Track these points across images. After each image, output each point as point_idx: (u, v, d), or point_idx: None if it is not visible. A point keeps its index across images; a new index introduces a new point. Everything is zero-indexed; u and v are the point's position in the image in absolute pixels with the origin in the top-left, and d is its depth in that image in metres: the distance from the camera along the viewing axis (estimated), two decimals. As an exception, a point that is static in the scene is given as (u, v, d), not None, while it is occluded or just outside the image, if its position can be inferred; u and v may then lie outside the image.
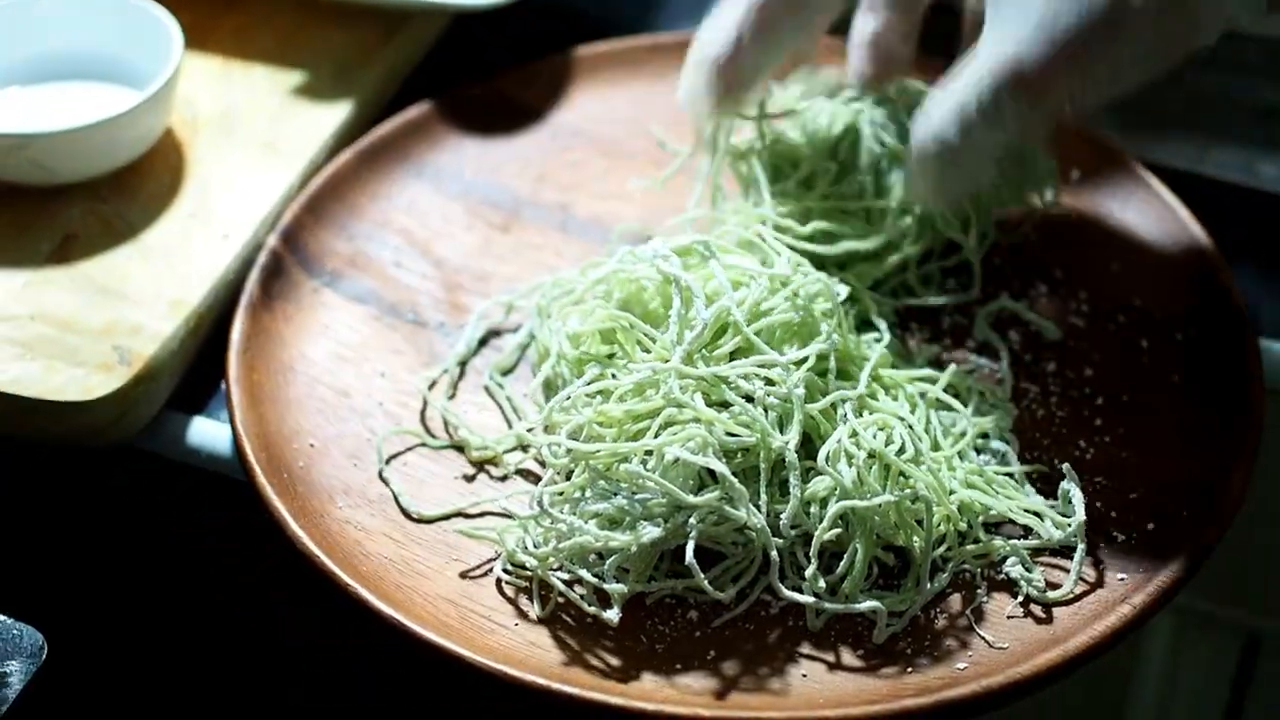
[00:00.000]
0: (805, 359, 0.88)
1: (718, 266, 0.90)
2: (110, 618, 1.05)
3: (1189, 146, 1.16)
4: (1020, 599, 0.85)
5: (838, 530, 0.84)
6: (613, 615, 0.84)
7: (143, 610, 1.05)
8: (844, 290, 0.93)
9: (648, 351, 0.89)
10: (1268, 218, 1.11)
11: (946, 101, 0.88)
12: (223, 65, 1.14)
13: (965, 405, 0.92)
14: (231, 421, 0.92)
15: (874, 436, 0.86)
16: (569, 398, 0.88)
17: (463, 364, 0.98)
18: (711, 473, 0.85)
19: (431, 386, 0.96)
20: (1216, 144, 1.18)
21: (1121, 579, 0.85)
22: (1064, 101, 0.85)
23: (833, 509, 0.83)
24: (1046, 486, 0.90)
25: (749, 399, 0.86)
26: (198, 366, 0.99)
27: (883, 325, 0.95)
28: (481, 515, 0.90)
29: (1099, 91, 0.86)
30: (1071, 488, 0.87)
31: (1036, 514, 0.88)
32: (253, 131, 1.09)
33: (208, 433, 0.97)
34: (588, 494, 0.86)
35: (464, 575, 0.87)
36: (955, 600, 0.86)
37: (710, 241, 0.91)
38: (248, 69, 1.13)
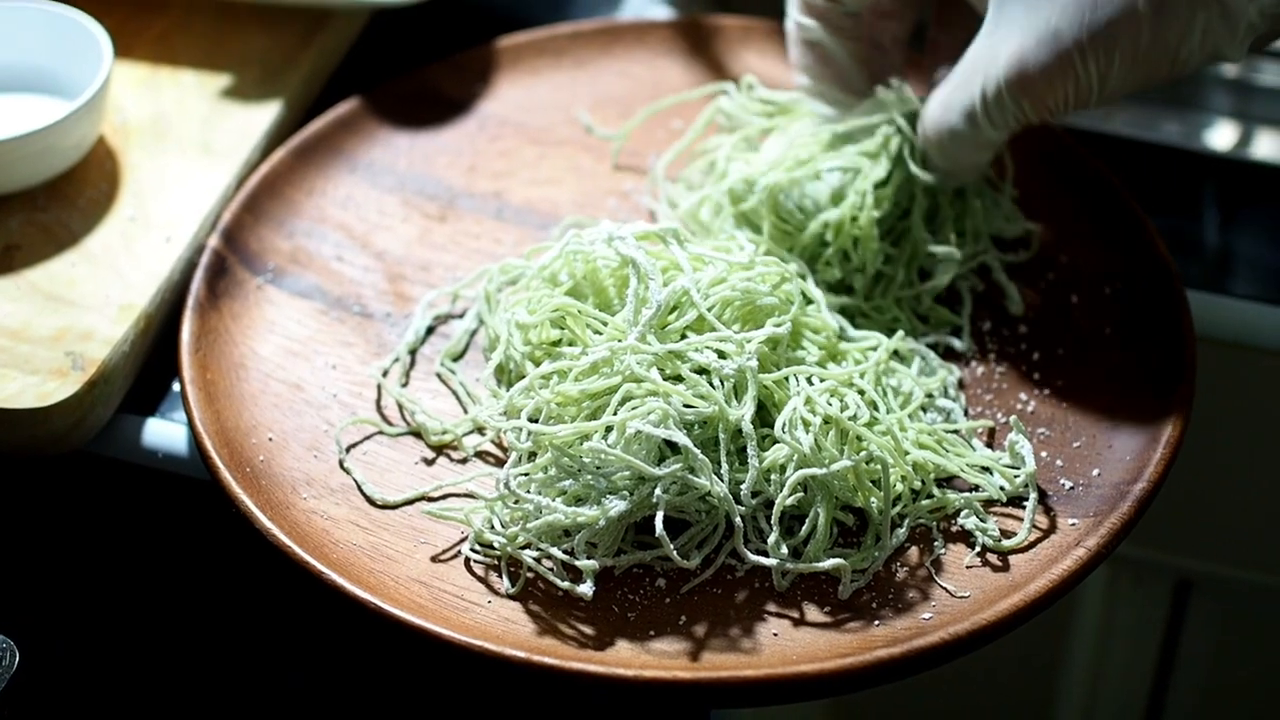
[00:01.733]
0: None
1: (678, 250, 0.92)
2: (79, 622, 1.06)
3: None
4: (977, 549, 0.88)
5: (799, 495, 0.86)
6: (586, 589, 0.85)
7: (110, 613, 1.05)
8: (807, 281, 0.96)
9: (599, 334, 0.91)
10: (1171, 172, 1.15)
11: (955, 96, 0.93)
12: (149, 71, 1.14)
13: (909, 366, 0.95)
14: (190, 420, 0.93)
15: (828, 403, 0.89)
16: (529, 384, 0.90)
17: (413, 352, 0.99)
18: (671, 445, 0.87)
19: (385, 375, 0.97)
20: (1122, 103, 1.21)
21: (1073, 524, 0.88)
22: (1060, 105, 0.89)
23: (793, 477, 0.86)
24: (993, 440, 0.93)
25: (703, 373, 0.88)
26: (147, 369, 1.00)
27: (818, 295, 0.97)
28: (444, 498, 0.92)
29: (1086, 100, 0.89)
30: (1019, 439, 0.90)
31: (986, 468, 0.90)
32: (185, 134, 1.10)
33: (163, 433, 0.98)
34: (552, 473, 0.87)
35: (434, 558, 0.88)
36: (914, 554, 0.88)
37: (678, 229, 0.93)
38: (174, 74, 1.14)
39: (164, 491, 0.98)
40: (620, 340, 0.89)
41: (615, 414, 0.87)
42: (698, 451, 0.85)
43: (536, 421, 0.89)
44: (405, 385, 0.98)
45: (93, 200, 1.05)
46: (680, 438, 0.85)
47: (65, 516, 1.03)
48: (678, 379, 0.88)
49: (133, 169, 1.07)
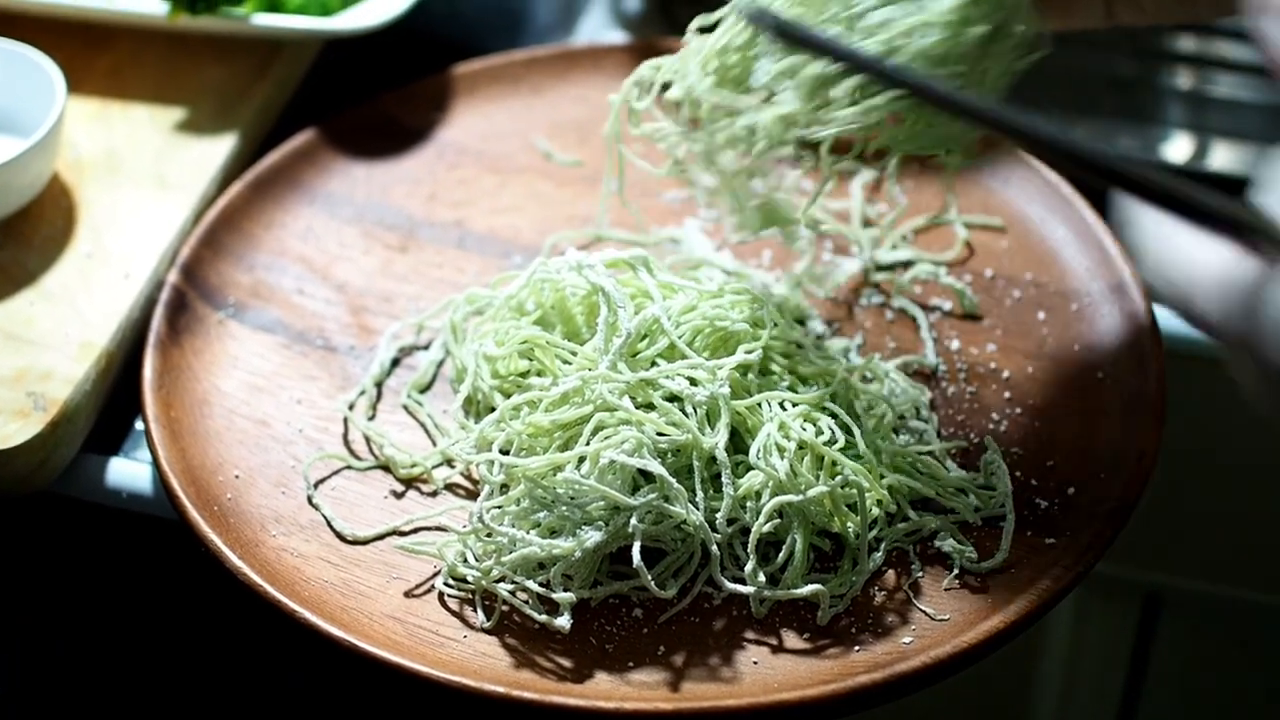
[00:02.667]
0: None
1: (648, 277, 0.91)
2: (48, 666, 1.04)
3: (1054, 122, 1.19)
4: (955, 571, 0.87)
5: (775, 521, 0.86)
6: (564, 623, 0.85)
7: (79, 656, 1.04)
8: (774, 300, 0.96)
9: (568, 364, 0.91)
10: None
11: None
12: (100, 106, 1.13)
13: (880, 387, 0.95)
14: (155, 459, 0.91)
15: (802, 428, 0.88)
16: (499, 415, 0.89)
17: (379, 384, 0.98)
18: (645, 474, 0.86)
19: (351, 408, 0.96)
20: (1079, 118, 1.22)
21: (1050, 542, 0.88)
22: None
23: (770, 504, 0.85)
24: (966, 460, 0.93)
25: (675, 401, 0.88)
26: (109, 407, 0.99)
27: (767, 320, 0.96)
28: (415, 531, 0.91)
29: None
30: (995, 459, 0.90)
31: (962, 490, 0.90)
32: (140, 169, 1.08)
33: (127, 472, 0.97)
34: (526, 505, 0.86)
35: (407, 594, 0.87)
36: (891, 578, 0.88)
37: (649, 257, 0.92)
38: (126, 108, 1.13)
39: (129, 531, 0.97)
40: (591, 369, 0.88)
41: (588, 444, 0.86)
42: (673, 480, 0.85)
43: (508, 454, 0.88)
44: (372, 418, 0.97)
45: (49, 238, 1.04)
46: (655, 466, 0.85)
47: (29, 559, 1.02)
48: (650, 407, 0.88)
49: (88, 205, 1.06)
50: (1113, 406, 0.94)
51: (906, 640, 0.84)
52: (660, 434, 0.86)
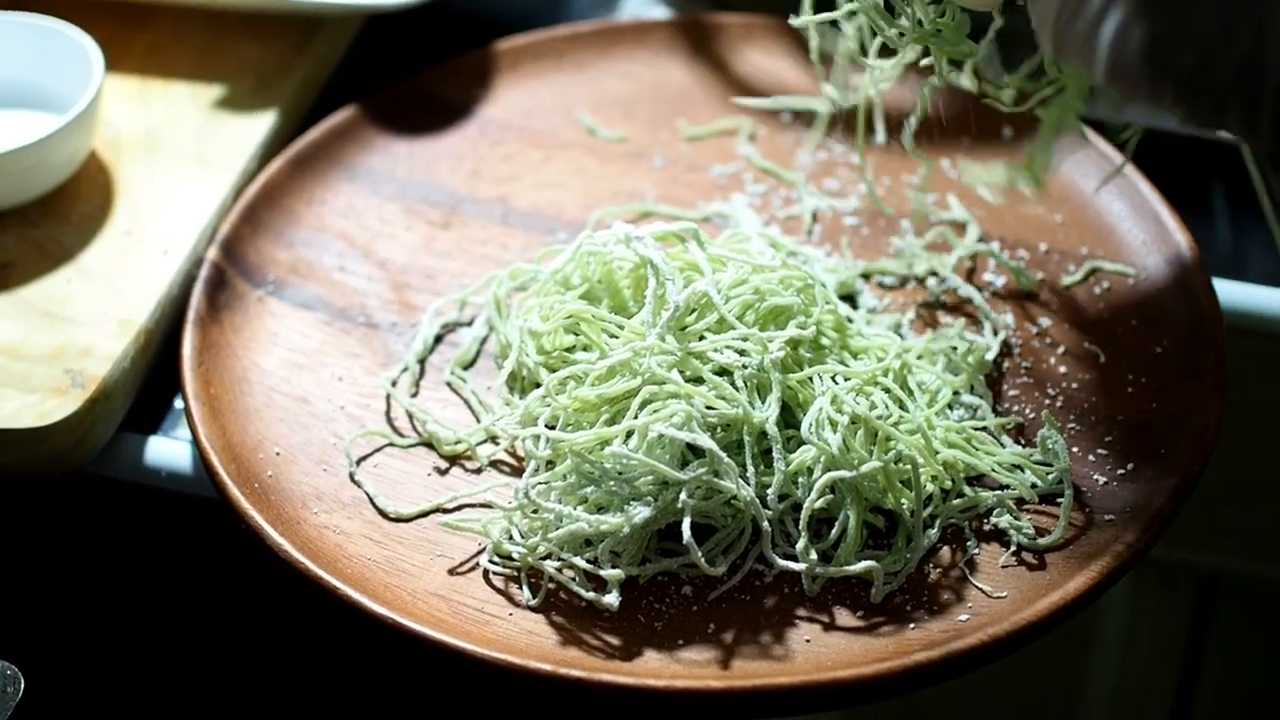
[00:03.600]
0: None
1: (697, 250, 0.89)
2: (86, 647, 1.03)
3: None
4: (1012, 548, 0.85)
5: (828, 497, 0.84)
6: (612, 600, 0.83)
7: (117, 637, 1.03)
8: (830, 280, 0.94)
9: (614, 339, 0.89)
10: (1183, 159, 1.13)
11: None
12: (140, 84, 1.12)
13: (934, 364, 0.93)
14: (195, 436, 0.90)
15: (856, 401, 0.86)
16: (546, 390, 0.87)
17: (422, 361, 0.97)
18: (695, 449, 0.84)
19: (394, 385, 0.95)
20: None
21: (1110, 519, 0.86)
22: None
23: (821, 480, 0.83)
24: (1022, 436, 0.91)
25: (725, 374, 0.86)
26: (148, 386, 0.97)
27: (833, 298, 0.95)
28: (459, 509, 0.89)
29: None
30: (1051, 434, 0.88)
31: (1018, 466, 0.88)
32: (180, 147, 1.07)
33: (166, 451, 0.95)
34: (573, 480, 0.85)
35: (452, 571, 0.86)
36: (947, 555, 0.86)
37: (698, 229, 0.90)
38: (166, 86, 1.12)
39: (168, 510, 0.96)
40: (638, 343, 0.86)
41: (636, 418, 0.84)
42: (723, 454, 0.83)
43: (554, 428, 0.86)
44: (415, 395, 0.95)
45: (87, 215, 1.03)
46: (704, 440, 0.83)
47: (67, 538, 1.00)
48: (699, 381, 0.86)
49: (127, 183, 1.05)
50: (1172, 381, 0.92)
51: (963, 618, 0.82)
52: (710, 407, 0.84)
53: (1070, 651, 1.27)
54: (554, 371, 0.90)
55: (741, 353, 0.86)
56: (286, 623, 0.99)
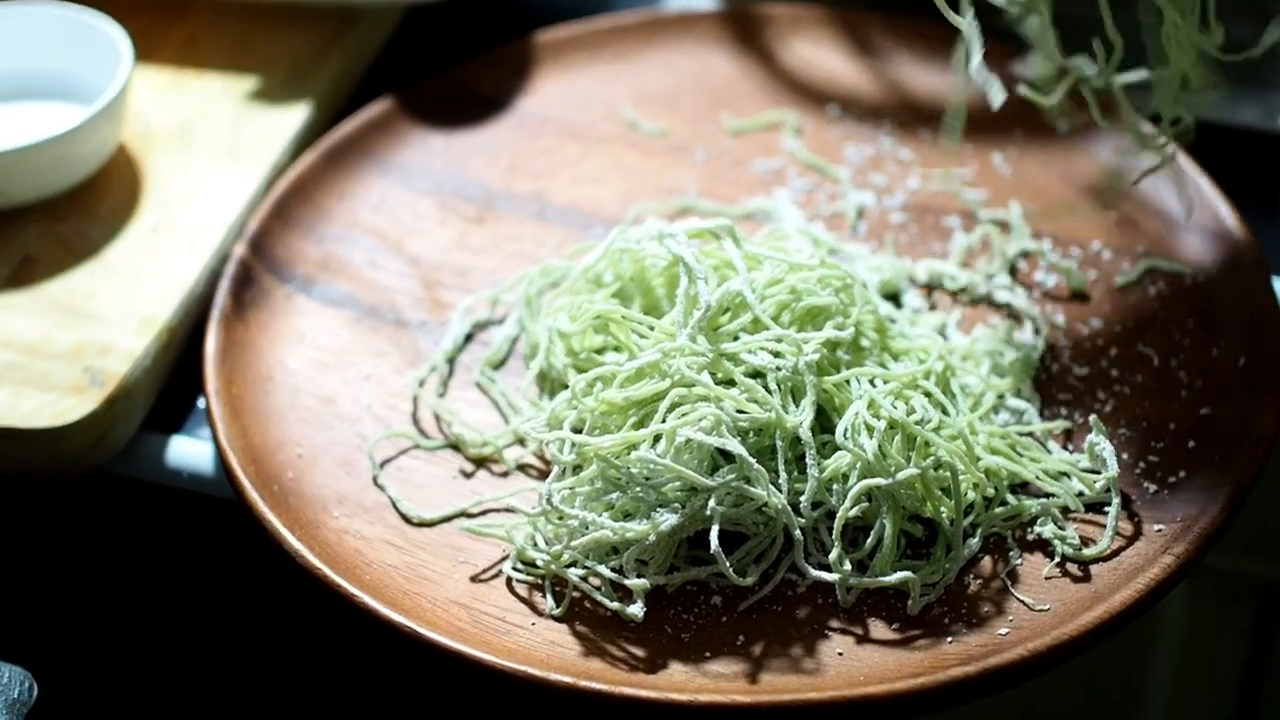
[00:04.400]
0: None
1: (732, 247, 0.86)
2: (101, 649, 1.01)
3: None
4: (1056, 559, 0.82)
5: (863, 505, 0.81)
6: (637, 610, 0.80)
7: (132, 641, 1.01)
8: (872, 279, 0.91)
9: (644, 339, 0.86)
10: (1250, 155, 1.09)
11: None
12: (174, 76, 1.10)
13: (978, 366, 0.89)
14: (215, 436, 0.87)
15: (893, 406, 0.83)
16: (572, 393, 0.84)
17: (451, 360, 0.94)
18: (725, 454, 0.81)
19: (421, 385, 0.92)
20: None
21: (1159, 529, 0.82)
22: None
23: (857, 487, 0.80)
24: (1070, 442, 0.87)
25: (758, 377, 0.83)
26: (171, 384, 0.95)
27: (875, 298, 0.92)
28: (484, 514, 0.86)
29: None
30: (1100, 441, 0.84)
31: (1064, 473, 0.84)
32: (211, 139, 1.05)
33: (188, 451, 0.93)
34: (598, 486, 0.82)
35: (474, 578, 0.83)
36: (988, 565, 0.82)
37: (734, 226, 0.87)
38: (200, 78, 1.09)
39: (189, 512, 0.94)
40: (671, 342, 0.83)
41: (664, 421, 0.81)
42: (753, 460, 0.80)
43: (580, 432, 0.83)
44: (443, 395, 0.92)
45: (114, 209, 1.01)
46: (734, 446, 0.80)
47: (86, 539, 0.98)
48: (730, 384, 0.83)
49: (156, 177, 1.03)
50: (1228, 385, 0.88)
51: (1003, 631, 0.79)
52: (741, 411, 0.81)
53: (1125, 669, 1.23)
54: (582, 373, 0.87)
55: (776, 354, 0.83)
56: (310, 628, 0.97)
